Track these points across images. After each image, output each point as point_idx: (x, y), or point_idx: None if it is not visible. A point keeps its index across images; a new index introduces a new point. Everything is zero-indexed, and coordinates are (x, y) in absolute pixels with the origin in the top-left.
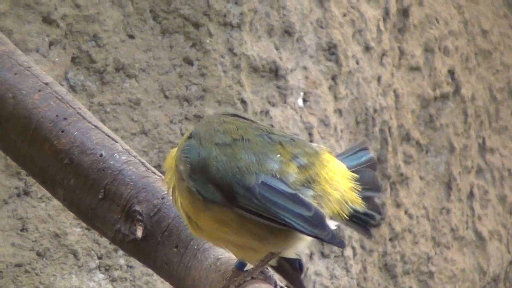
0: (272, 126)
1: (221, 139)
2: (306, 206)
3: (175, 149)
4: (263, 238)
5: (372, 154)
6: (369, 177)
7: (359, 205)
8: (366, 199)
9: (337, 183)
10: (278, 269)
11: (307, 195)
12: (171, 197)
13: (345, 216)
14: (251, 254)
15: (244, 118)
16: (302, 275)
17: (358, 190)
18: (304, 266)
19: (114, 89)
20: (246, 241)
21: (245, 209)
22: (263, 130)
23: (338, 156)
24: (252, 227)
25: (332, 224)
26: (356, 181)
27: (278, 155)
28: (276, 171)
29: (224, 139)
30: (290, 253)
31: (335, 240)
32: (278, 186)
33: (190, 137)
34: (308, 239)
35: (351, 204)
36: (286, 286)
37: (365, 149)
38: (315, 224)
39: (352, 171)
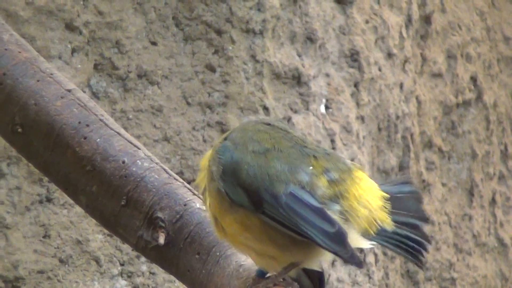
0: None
1: (255, 147)
2: (331, 222)
3: (211, 150)
4: (284, 247)
5: (418, 189)
6: (415, 206)
7: (389, 225)
8: (414, 227)
9: (366, 201)
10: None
11: (334, 210)
12: (202, 197)
13: (373, 234)
14: (271, 262)
15: (280, 128)
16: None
17: (389, 210)
18: (325, 282)
19: (137, 96)
20: (267, 248)
21: (270, 216)
22: (297, 142)
23: (381, 184)
24: (275, 235)
25: (366, 244)
26: (394, 204)
27: (311, 167)
28: (306, 183)
29: (257, 148)
30: (312, 265)
31: (354, 259)
32: (305, 199)
33: (225, 139)
34: (329, 253)
35: (380, 223)
36: None
37: (410, 182)
38: (336, 240)
39: (395, 197)
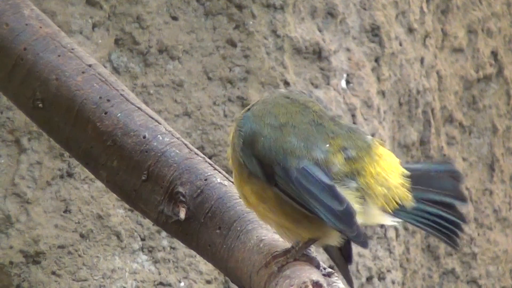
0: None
1: (271, 120)
2: (339, 199)
3: (239, 115)
4: (297, 221)
5: (457, 169)
6: (451, 185)
7: (408, 202)
8: (448, 206)
9: (383, 178)
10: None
11: (351, 187)
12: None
13: (391, 211)
14: (288, 234)
15: (300, 102)
16: (349, 265)
17: (411, 187)
18: (352, 255)
19: (158, 70)
20: (282, 221)
21: (282, 190)
22: (314, 118)
23: (416, 163)
24: (288, 209)
25: (388, 220)
26: (426, 182)
27: (327, 145)
28: (321, 160)
29: (273, 121)
30: (331, 241)
31: (360, 238)
32: (317, 175)
33: (248, 110)
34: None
35: (398, 200)
36: (329, 267)
37: (449, 163)
38: (343, 219)
39: (428, 175)
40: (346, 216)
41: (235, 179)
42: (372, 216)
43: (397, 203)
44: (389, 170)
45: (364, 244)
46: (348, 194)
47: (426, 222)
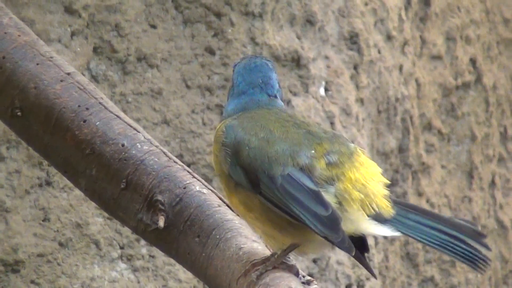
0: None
1: (258, 130)
2: (325, 205)
3: (220, 124)
4: (283, 228)
5: (477, 227)
6: (466, 225)
7: (387, 212)
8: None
9: (362, 185)
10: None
11: (329, 191)
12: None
13: (367, 217)
14: (272, 242)
15: (287, 113)
16: (367, 254)
17: (389, 196)
18: (368, 245)
19: (136, 79)
20: (267, 229)
21: (266, 197)
22: (303, 126)
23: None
24: (273, 217)
25: (366, 225)
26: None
27: (313, 151)
28: (305, 165)
29: (260, 131)
30: (314, 249)
31: (344, 245)
32: (302, 181)
33: (235, 118)
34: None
35: (376, 207)
36: (308, 275)
37: (471, 222)
38: (328, 224)
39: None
40: (332, 222)
41: (224, 191)
42: (350, 221)
43: (373, 209)
44: (368, 178)
45: (349, 250)
46: (328, 199)
47: (409, 230)
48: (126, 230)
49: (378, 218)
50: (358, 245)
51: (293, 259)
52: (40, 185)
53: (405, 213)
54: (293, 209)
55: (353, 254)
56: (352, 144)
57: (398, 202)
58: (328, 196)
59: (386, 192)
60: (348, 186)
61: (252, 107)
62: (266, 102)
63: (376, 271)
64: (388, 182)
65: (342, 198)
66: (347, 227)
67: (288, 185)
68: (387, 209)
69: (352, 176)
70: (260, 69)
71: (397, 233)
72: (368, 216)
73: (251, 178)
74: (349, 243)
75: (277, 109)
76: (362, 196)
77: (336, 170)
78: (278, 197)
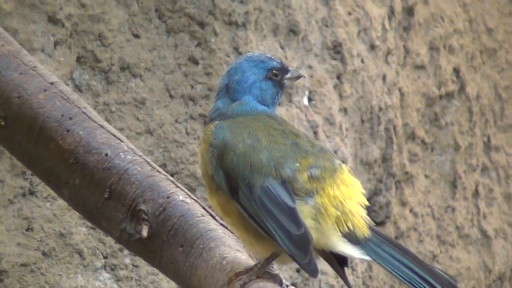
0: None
1: (246, 136)
2: (298, 224)
3: (209, 125)
4: (258, 236)
5: (456, 283)
6: (445, 277)
7: (362, 232)
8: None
9: (339, 202)
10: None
11: (309, 203)
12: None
13: (339, 233)
14: (251, 248)
15: (278, 122)
16: (346, 268)
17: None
18: (348, 259)
19: (119, 88)
20: (244, 235)
21: (243, 206)
22: (292, 137)
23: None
24: (249, 225)
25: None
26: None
27: (297, 164)
28: (287, 178)
29: (248, 138)
30: (290, 260)
31: (310, 267)
32: (280, 195)
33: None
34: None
35: (350, 226)
36: (292, 285)
37: (451, 277)
38: (298, 243)
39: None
40: (302, 241)
41: (206, 191)
42: (321, 234)
43: (348, 228)
44: (347, 196)
45: (313, 273)
46: (305, 211)
47: (379, 258)
48: (110, 240)
49: (351, 237)
50: (338, 258)
51: (277, 268)
52: (24, 195)
53: (379, 243)
54: (266, 222)
55: (317, 277)
56: (338, 161)
57: (378, 232)
58: (306, 208)
59: (364, 212)
60: (325, 201)
61: (243, 110)
62: (255, 106)
63: (359, 281)
64: (368, 204)
65: (319, 212)
66: (319, 241)
67: (266, 198)
68: (362, 229)
69: (331, 192)
70: (252, 70)
71: (366, 257)
72: (341, 233)
73: (231, 183)
74: (314, 266)
75: (266, 115)
76: (338, 213)
77: (317, 184)
78: (253, 208)
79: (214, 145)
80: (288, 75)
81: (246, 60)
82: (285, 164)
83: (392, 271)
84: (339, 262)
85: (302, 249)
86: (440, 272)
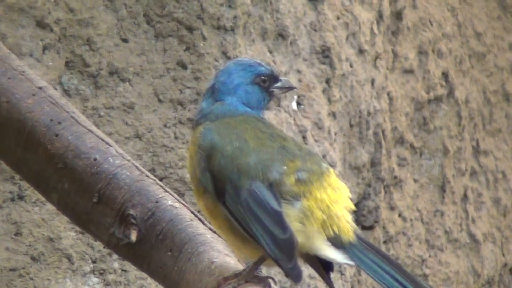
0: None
1: (234, 139)
2: (284, 228)
3: (199, 127)
4: (245, 240)
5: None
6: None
7: (347, 236)
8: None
9: (326, 206)
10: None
11: (296, 206)
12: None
13: (324, 237)
14: (238, 252)
15: (265, 125)
16: (331, 273)
17: (354, 226)
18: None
19: (108, 93)
20: (230, 239)
21: (228, 209)
22: (279, 141)
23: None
24: (236, 228)
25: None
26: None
27: (285, 167)
28: (274, 181)
29: (236, 140)
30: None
31: (294, 272)
32: (266, 199)
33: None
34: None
35: (336, 230)
36: None
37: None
38: (283, 248)
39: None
40: (287, 246)
41: (193, 193)
42: (310, 238)
43: (333, 231)
44: (334, 200)
45: (297, 279)
46: (292, 214)
47: (363, 264)
48: (99, 244)
49: (336, 241)
50: (323, 263)
51: (265, 273)
52: (12, 199)
53: (363, 249)
54: (251, 226)
55: (299, 282)
56: (325, 165)
57: (362, 238)
58: (293, 212)
59: (350, 217)
60: (312, 204)
61: (225, 110)
62: (237, 107)
63: (348, 285)
64: (354, 208)
65: (305, 215)
66: (303, 244)
67: (252, 201)
68: (348, 233)
69: (318, 195)
70: (239, 73)
71: (350, 262)
72: (326, 237)
73: (217, 186)
74: (298, 271)
75: (253, 118)
76: (325, 217)
77: (304, 188)
78: (240, 211)
79: (202, 147)
80: (278, 84)
81: (235, 63)
82: (272, 167)
83: (374, 278)
84: (324, 267)
85: (287, 253)
86: (423, 283)
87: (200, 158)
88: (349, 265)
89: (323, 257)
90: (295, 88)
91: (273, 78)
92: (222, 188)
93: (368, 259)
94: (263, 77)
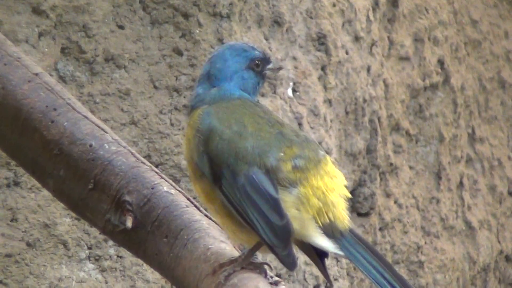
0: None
1: (233, 123)
2: (281, 214)
3: (199, 109)
4: (241, 225)
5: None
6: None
7: (343, 224)
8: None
9: (322, 193)
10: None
11: (292, 193)
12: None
13: (317, 225)
14: (234, 236)
15: (263, 111)
16: (326, 260)
17: (347, 206)
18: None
19: (104, 79)
20: (227, 223)
21: (225, 194)
22: (277, 126)
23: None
24: (232, 213)
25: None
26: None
27: (282, 154)
28: (271, 167)
29: (235, 125)
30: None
31: (289, 259)
32: (264, 185)
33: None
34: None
35: (331, 217)
36: (276, 275)
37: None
38: (279, 234)
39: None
40: (283, 233)
41: (189, 178)
42: (304, 226)
43: (329, 218)
44: (330, 187)
45: (292, 266)
46: (288, 201)
47: (352, 257)
48: (94, 231)
49: (328, 230)
50: (318, 251)
51: (261, 259)
52: (8, 185)
53: (353, 242)
54: (248, 211)
55: (294, 270)
56: (322, 152)
57: (353, 231)
58: (289, 198)
59: (345, 205)
60: (308, 191)
61: (222, 95)
62: (234, 92)
63: (344, 272)
64: (350, 196)
65: (301, 202)
66: (298, 231)
67: (249, 186)
68: (343, 222)
69: (315, 183)
70: (234, 59)
71: (340, 252)
72: (320, 225)
73: (214, 170)
74: (293, 258)
75: (251, 103)
76: (320, 204)
77: (300, 175)
78: (236, 197)
79: (200, 131)
80: (270, 66)
81: (229, 49)
82: (270, 153)
83: (362, 271)
84: (319, 255)
85: (283, 240)
86: (408, 283)
87: (198, 141)
88: (339, 255)
89: (315, 245)
90: (284, 67)
91: (266, 60)
92: (220, 172)
93: (357, 251)
94: (257, 62)
